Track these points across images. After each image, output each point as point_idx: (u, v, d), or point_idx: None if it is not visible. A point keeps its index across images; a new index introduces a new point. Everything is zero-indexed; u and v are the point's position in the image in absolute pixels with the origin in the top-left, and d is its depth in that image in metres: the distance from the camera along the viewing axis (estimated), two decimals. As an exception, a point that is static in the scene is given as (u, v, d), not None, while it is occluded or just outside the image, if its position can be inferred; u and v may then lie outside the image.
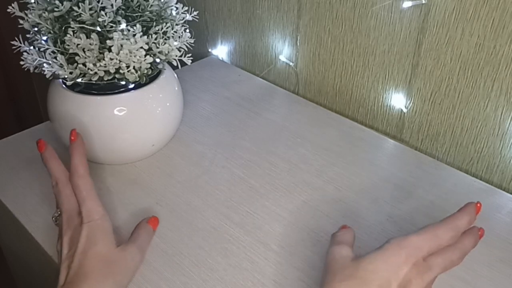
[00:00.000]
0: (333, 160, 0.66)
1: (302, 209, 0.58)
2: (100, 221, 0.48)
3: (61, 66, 0.55)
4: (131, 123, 0.60)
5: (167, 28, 0.58)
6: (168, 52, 0.58)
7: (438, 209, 0.58)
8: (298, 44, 0.78)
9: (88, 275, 0.44)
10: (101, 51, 0.54)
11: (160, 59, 0.58)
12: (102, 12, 0.53)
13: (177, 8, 0.60)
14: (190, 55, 0.59)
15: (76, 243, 0.46)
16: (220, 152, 0.67)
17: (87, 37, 0.53)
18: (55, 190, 0.51)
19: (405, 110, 0.69)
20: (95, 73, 0.55)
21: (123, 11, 0.55)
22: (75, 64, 0.55)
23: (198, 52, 0.95)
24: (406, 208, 0.58)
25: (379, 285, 0.39)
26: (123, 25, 0.54)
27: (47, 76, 0.55)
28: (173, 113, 0.64)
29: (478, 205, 0.45)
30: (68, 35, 0.53)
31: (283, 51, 0.81)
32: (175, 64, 0.59)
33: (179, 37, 0.59)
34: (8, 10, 0.56)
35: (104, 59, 0.54)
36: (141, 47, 0.55)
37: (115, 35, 0.53)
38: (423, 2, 0.60)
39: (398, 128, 0.72)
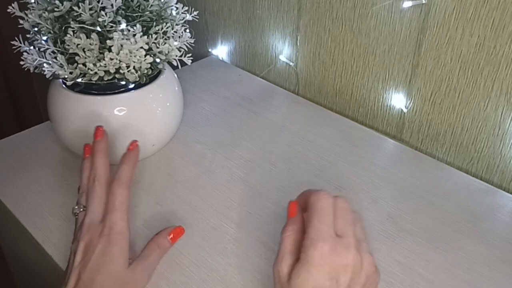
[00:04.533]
0: (333, 160, 0.66)
1: (302, 209, 0.58)
2: (120, 237, 0.46)
3: (61, 66, 0.55)
4: (131, 123, 0.60)
5: (167, 28, 0.58)
6: (168, 52, 0.58)
7: (438, 209, 0.58)
8: (298, 44, 0.78)
9: None
10: (101, 51, 0.54)
11: (160, 59, 0.58)
12: (102, 12, 0.53)
13: (177, 8, 0.60)
14: (190, 55, 0.59)
15: (91, 254, 0.45)
16: (220, 152, 0.67)
17: (87, 37, 0.53)
18: (91, 186, 0.49)
19: (405, 110, 0.69)
20: (95, 73, 0.55)
21: (123, 11, 0.55)
22: (75, 64, 0.55)
23: (198, 52, 0.95)
24: (406, 208, 0.58)
25: None
26: (123, 25, 0.54)
27: (47, 76, 0.55)
28: (173, 113, 0.64)
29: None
30: (68, 35, 0.53)
31: (283, 51, 0.81)
32: (175, 64, 0.59)
33: (179, 37, 0.59)
34: (8, 10, 0.56)
35: (104, 59, 0.54)
36: (141, 47, 0.55)
37: (115, 35, 0.53)
38: (423, 2, 0.60)
39: (398, 128, 0.72)
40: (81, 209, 0.49)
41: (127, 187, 0.49)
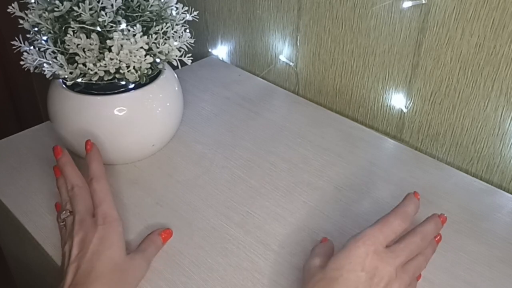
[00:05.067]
0: (333, 160, 0.66)
1: (302, 209, 0.58)
2: (115, 223, 0.48)
3: (61, 66, 0.55)
4: (131, 123, 0.60)
5: (167, 28, 0.58)
6: (168, 52, 0.58)
7: (438, 209, 0.58)
8: (298, 44, 0.78)
9: (99, 278, 0.44)
10: (101, 51, 0.54)
11: (160, 59, 0.58)
12: (102, 12, 0.53)
13: (177, 8, 0.60)
14: (190, 55, 0.59)
15: (89, 244, 0.46)
16: (220, 152, 0.67)
17: (87, 37, 0.53)
18: (71, 193, 0.51)
19: (405, 110, 0.69)
20: (95, 73, 0.55)
21: (123, 11, 0.55)
22: (75, 64, 0.55)
23: (198, 52, 0.95)
24: (406, 208, 0.58)
25: (346, 279, 0.41)
26: (123, 25, 0.54)
27: (47, 76, 0.55)
28: (173, 113, 0.64)
29: (416, 195, 0.48)
30: (68, 35, 0.53)
31: (283, 51, 0.81)
32: (175, 64, 0.59)
33: (179, 37, 0.59)
34: (8, 10, 0.56)
35: (104, 59, 0.54)
36: (141, 47, 0.55)
37: (115, 35, 0.53)
38: (423, 2, 0.60)
39: (398, 128, 0.72)
40: (68, 214, 0.51)
41: (103, 180, 0.51)
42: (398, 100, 0.70)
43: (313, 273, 0.43)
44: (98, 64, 0.54)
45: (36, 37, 0.56)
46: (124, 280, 0.46)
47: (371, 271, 0.41)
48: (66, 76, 0.55)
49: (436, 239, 0.48)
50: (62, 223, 0.51)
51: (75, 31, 0.54)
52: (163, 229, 0.53)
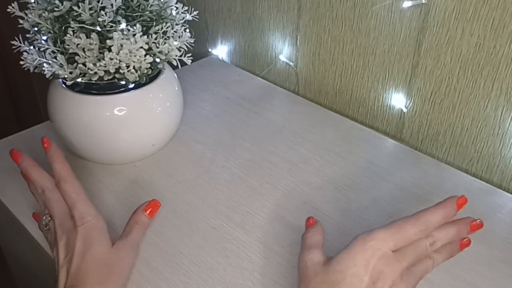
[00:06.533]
0: (333, 160, 0.66)
1: (302, 209, 0.58)
2: (94, 221, 0.48)
3: (61, 66, 0.55)
4: (131, 123, 0.60)
5: (167, 28, 0.58)
6: (168, 52, 0.58)
7: (438, 209, 0.58)
8: (298, 44, 0.78)
9: (88, 277, 0.44)
10: (101, 51, 0.54)
11: (160, 59, 0.58)
12: (102, 12, 0.53)
13: (177, 8, 0.60)
14: (190, 55, 0.59)
15: (73, 246, 0.46)
16: (220, 152, 0.67)
17: (87, 37, 0.53)
18: (43, 197, 0.50)
19: (405, 110, 0.69)
20: (95, 73, 0.55)
21: (123, 11, 0.55)
22: (75, 64, 0.55)
23: (198, 52, 0.95)
24: (406, 208, 0.58)
25: (350, 283, 0.39)
26: (123, 25, 0.54)
27: (47, 76, 0.55)
28: (173, 113, 0.64)
29: (462, 199, 0.43)
30: (68, 35, 0.53)
31: (283, 51, 0.81)
32: (175, 64, 0.59)
33: (179, 37, 0.59)
34: (8, 10, 0.56)
35: (104, 59, 0.54)
36: (141, 47, 0.55)
37: (115, 35, 0.53)
38: (423, 2, 0.60)
39: (398, 128, 0.72)
40: (49, 218, 0.50)
41: (72, 178, 0.50)
42: (398, 100, 0.70)
43: (314, 272, 0.42)
44: (98, 64, 0.54)
45: (36, 37, 0.56)
46: (114, 272, 0.46)
47: (375, 275, 0.40)
48: (66, 76, 0.55)
49: (463, 241, 0.45)
50: (46, 228, 0.51)
51: (75, 31, 0.54)
52: (147, 202, 0.51)
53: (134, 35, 0.54)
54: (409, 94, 0.68)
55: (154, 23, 0.57)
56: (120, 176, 0.62)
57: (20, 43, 0.56)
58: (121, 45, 0.54)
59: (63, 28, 0.54)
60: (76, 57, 0.54)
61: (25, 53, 0.56)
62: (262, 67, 0.86)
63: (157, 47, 0.57)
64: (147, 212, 0.51)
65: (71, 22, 0.53)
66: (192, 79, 0.84)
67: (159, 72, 0.62)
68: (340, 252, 0.42)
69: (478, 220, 0.45)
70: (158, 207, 0.52)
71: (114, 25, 0.54)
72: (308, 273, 0.42)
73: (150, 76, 0.60)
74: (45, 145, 0.52)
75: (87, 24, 0.53)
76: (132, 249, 0.49)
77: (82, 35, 0.53)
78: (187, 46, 0.60)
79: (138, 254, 0.51)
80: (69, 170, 0.51)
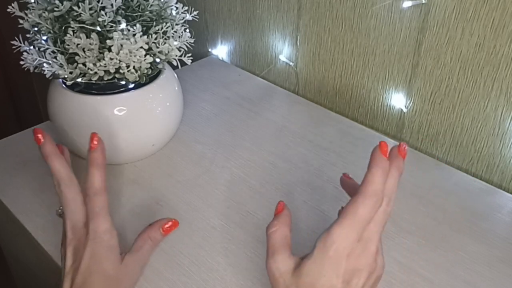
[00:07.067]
0: (333, 160, 0.66)
1: (302, 209, 0.58)
2: (106, 238, 0.45)
3: (61, 66, 0.55)
4: (131, 123, 0.60)
5: (167, 28, 0.58)
6: (168, 52, 0.58)
7: (438, 209, 0.58)
8: (298, 44, 0.78)
9: None
10: (101, 51, 0.54)
11: (160, 59, 0.58)
12: (102, 12, 0.53)
13: (177, 8, 0.60)
14: (190, 55, 0.59)
15: (80, 258, 0.44)
16: (220, 152, 0.67)
17: (87, 37, 0.53)
18: (58, 191, 0.48)
19: (405, 110, 0.69)
20: (95, 73, 0.55)
21: (123, 11, 0.55)
22: (75, 64, 0.55)
23: (198, 52, 0.95)
24: (406, 208, 0.58)
25: None
26: (123, 25, 0.54)
27: (47, 76, 0.55)
28: (173, 113, 0.64)
29: (383, 145, 0.40)
30: (68, 35, 0.53)
31: (283, 51, 0.81)
32: (175, 64, 0.59)
33: (179, 37, 0.59)
34: (8, 10, 0.56)
35: (104, 59, 0.54)
36: (141, 47, 0.55)
37: (115, 35, 0.53)
38: (423, 2, 0.60)
39: (398, 128, 0.72)
40: (61, 212, 0.48)
41: (103, 191, 0.46)
42: (398, 100, 0.70)
43: (283, 285, 0.40)
44: (98, 64, 0.54)
45: (36, 37, 0.56)
46: None
47: (348, 276, 0.38)
48: (66, 76, 0.55)
49: (401, 150, 0.42)
50: (60, 215, 0.49)
51: (75, 31, 0.54)
52: (165, 220, 0.49)
53: (134, 35, 0.54)
54: (409, 94, 0.68)
55: (154, 23, 0.57)
56: (120, 176, 0.62)
57: (20, 43, 0.56)
58: (121, 45, 0.54)
59: (63, 28, 0.54)
60: (76, 57, 0.54)
61: (25, 53, 0.56)
62: (262, 67, 0.86)
63: (157, 47, 0.57)
64: (164, 229, 0.49)
65: (71, 22, 0.53)
66: (192, 79, 0.84)
67: (159, 72, 0.62)
68: (306, 260, 0.39)
69: (401, 144, 0.42)
70: (175, 227, 0.49)
71: (114, 25, 0.54)
72: (278, 286, 0.40)
73: (150, 76, 0.60)
74: (94, 142, 0.48)
75: (87, 24, 0.53)
76: (140, 266, 0.48)
77: (82, 35, 0.53)
78: (187, 46, 0.60)
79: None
80: (104, 180, 0.47)
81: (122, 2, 0.55)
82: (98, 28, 0.53)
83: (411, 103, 0.68)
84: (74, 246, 0.46)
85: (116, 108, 0.58)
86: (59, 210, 0.49)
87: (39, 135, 0.48)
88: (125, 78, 0.56)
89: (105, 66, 0.55)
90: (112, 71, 0.55)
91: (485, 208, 0.58)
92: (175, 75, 0.65)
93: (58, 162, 0.47)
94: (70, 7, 0.53)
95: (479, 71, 0.59)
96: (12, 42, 0.56)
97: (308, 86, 0.81)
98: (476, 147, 0.64)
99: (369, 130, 0.72)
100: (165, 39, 0.58)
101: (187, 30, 0.60)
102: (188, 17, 0.61)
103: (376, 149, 0.40)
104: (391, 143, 0.69)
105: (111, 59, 0.54)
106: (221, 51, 0.93)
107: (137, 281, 0.48)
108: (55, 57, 0.55)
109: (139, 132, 0.61)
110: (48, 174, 0.62)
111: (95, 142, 0.48)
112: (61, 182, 0.47)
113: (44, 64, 0.55)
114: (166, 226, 0.49)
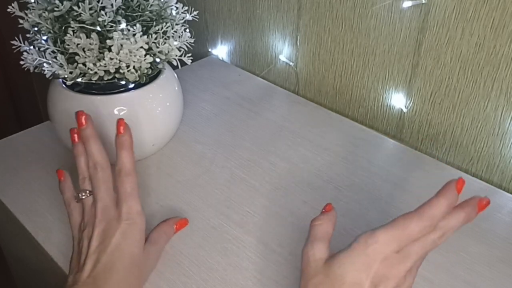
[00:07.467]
0: (333, 160, 0.66)
1: (302, 209, 0.58)
2: (139, 221, 0.47)
3: (61, 66, 0.55)
4: (131, 123, 0.59)
5: (167, 27, 0.58)
6: (168, 51, 0.58)
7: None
8: (298, 44, 0.78)
9: (120, 272, 0.44)
10: (101, 51, 0.54)
11: (160, 59, 0.58)
12: (102, 12, 0.53)
13: (177, 8, 0.60)
14: (190, 55, 0.59)
15: (111, 238, 0.45)
16: (220, 152, 0.67)
17: (87, 37, 0.53)
18: (93, 174, 0.48)
19: (405, 110, 0.69)
20: (95, 72, 0.55)
21: (123, 11, 0.55)
22: (75, 63, 0.55)
23: (198, 52, 0.95)
24: (406, 208, 0.58)
25: None
26: (123, 25, 0.54)
27: (47, 76, 0.55)
28: (173, 113, 0.64)
29: (460, 182, 0.40)
30: (68, 35, 0.53)
31: (283, 51, 0.81)
32: (175, 64, 0.59)
33: (179, 37, 0.59)
34: (8, 10, 0.56)
35: (104, 59, 0.54)
36: (141, 47, 0.55)
37: (115, 35, 0.53)
38: (423, 2, 0.60)
39: (398, 128, 0.72)
40: (88, 195, 0.49)
41: (133, 173, 0.49)
42: (398, 100, 0.70)
43: (314, 270, 0.40)
44: (98, 64, 0.54)
45: (36, 37, 0.56)
46: (140, 275, 0.47)
47: (377, 280, 0.39)
48: (66, 76, 0.55)
49: (482, 203, 0.41)
50: (76, 201, 0.49)
51: (75, 31, 0.54)
52: (177, 219, 0.54)
53: (134, 35, 0.54)
54: (409, 94, 0.68)
55: (154, 23, 0.57)
56: (120, 176, 0.62)
57: (20, 43, 0.56)
58: (121, 45, 0.54)
59: (63, 28, 0.54)
60: (76, 57, 0.54)
61: (25, 53, 0.56)
62: (262, 67, 0.86)
63: (157, 47, 0.57)
64: (176, 226, 0.53)
65: (71, 22, 0.53)
66: (192, 79, 0.84)
67: (159, 72, 0.62)
68: (342, 252, 0.40)
69: (485, 198, 0.41)
70: (185, 225, 0.54)
71: (114, 25, 0.54)
72: (309, 270, 0.41)
73: (150, 76, 0.60)
74: (121, 128, 0.50)
75: (87, 24, 0.53)
76: (157, 257, 0.50)
77: (82, 35, 0.53)
78: (187, 46, 0.60)
79: None
80: (133, 162, 0.49)
81: (122, 2, 0.55)
82: (98, 28, 0.53)
83: (411, 103, 0.68)
84: (104, 227, 0.46)
85: (116, 108, 0.58)
86: (82, 195, 0.49)
87: (83, 117, 0.50)
88: (125, 78, 0.56)
89: (105, 66, 0.55)
90: (112, 71, 0.55)
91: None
92: (175, 75, 0.65)
93: (97, 145, 0.50)
94: (70, 7, 0.53)
95: (479, 71, 0.59)
96: (12, 42, 0.56)
97: (308, 86, 0.81)
98: (476, 147, 0.64)
99: (369, 130, 0.72)
100: (165, 39, 0.58)
101: (187, 30, 0.60)
102: (188, 17, 0.61)
103: (452, 182, 0.41)
104: (391, 143, 0.69)
105: (111, 59, 0.54)
106: (221, 51, 0.93)
107: (151, 273, 0.49)
108: (55, 57, 0.55)
109: (139, 132, 0.61)
110: (48, 174, 0.63)
111: (122, 130, 0.50)
112: (97, 165, 0.49)
113: (44, 64, 0.55)
114: (179, 223, 0.53)
